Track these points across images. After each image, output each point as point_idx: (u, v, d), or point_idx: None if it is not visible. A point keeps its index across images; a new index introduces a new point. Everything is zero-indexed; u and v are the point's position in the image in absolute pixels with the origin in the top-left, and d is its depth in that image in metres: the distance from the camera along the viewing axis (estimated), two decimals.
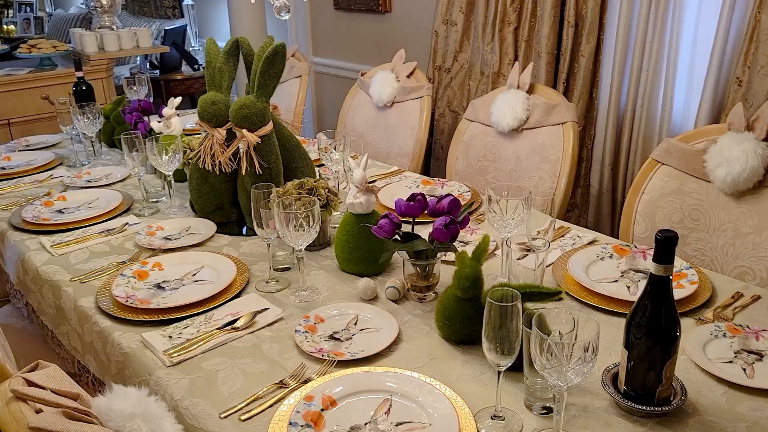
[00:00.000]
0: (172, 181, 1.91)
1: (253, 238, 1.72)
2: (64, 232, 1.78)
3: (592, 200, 2.77)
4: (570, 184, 1.88)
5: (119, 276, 1.49)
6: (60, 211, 1.92)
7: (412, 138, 2.37)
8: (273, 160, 1.70)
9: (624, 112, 2.63)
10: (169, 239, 1.72)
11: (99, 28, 3.60)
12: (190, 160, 1.95)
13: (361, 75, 2.63)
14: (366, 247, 1.46)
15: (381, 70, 2.50)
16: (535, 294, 1.07)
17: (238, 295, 1.43)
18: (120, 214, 1.89)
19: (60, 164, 2.37)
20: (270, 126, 1.67)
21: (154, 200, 1.99)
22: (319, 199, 1.59)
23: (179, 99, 2.12)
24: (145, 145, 1.85)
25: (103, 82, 3.48)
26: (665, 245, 0.95)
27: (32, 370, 0.82)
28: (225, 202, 1.81)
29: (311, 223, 1.35)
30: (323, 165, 1.93)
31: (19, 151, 2.54)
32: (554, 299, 1.08)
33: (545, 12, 2.70)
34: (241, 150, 1.68)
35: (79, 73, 2.60)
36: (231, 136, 1.73)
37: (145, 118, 2.26)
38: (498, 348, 0.98)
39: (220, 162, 1.71)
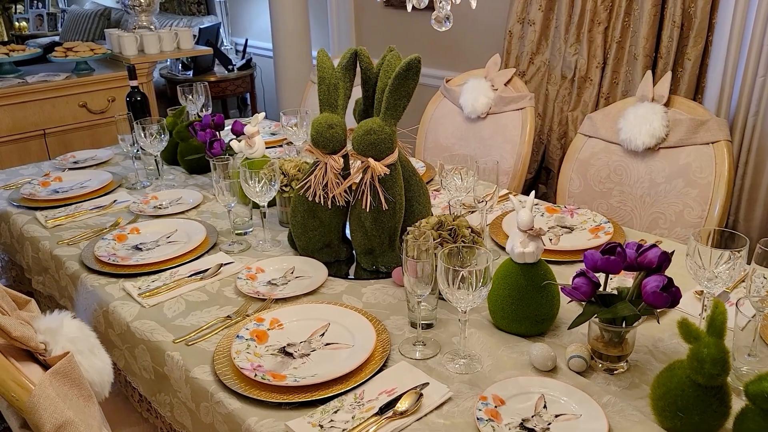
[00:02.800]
0: (266, 212, 1.67)
1: (372, 283, 1.48)
2: (148, 275, 1.54)
3: None
4: (725, 213, 1.64)
5: (236, 339, 1.25)
6: (137, 248, 1.67)
7: (513, 154, 2.13)
8: (398, 192, 1.45)
9: (734, 121, 2.38)
10: (275, 284, 1.48)
11: (137, 28, 3.34)
12: (284, 188, 1.71)
13: (446, 81, 2.38)
14: (534, 303, 1.22)
15: (473, 78, 2.25)
16: None
17: (385, 364, 1.19)
18: (207, 252, 1.65)
19: (119, 186, 2.12)
20: (396, 154, 1.43)
21: (241, 232, 1.74)
22: (464, 241, 1.35)
23: (262, 114, 1.88)
24: (235, 170, 1.61)
25: (144, 87, 3.22)
26: None
27: None
28: (334, 239, 1.57)
29: (482, 281, 1.11)
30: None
31: (69, 169, 2.30)
32: None
33: (644, 11, 2.45)
34: (360, 181, 1.44)
35: (134, 83, 2.35)
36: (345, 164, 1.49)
37: (218, 135, 2.02)
38: None
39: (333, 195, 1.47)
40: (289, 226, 1.63)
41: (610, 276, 1.17)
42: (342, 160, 1.46)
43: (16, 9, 7.76)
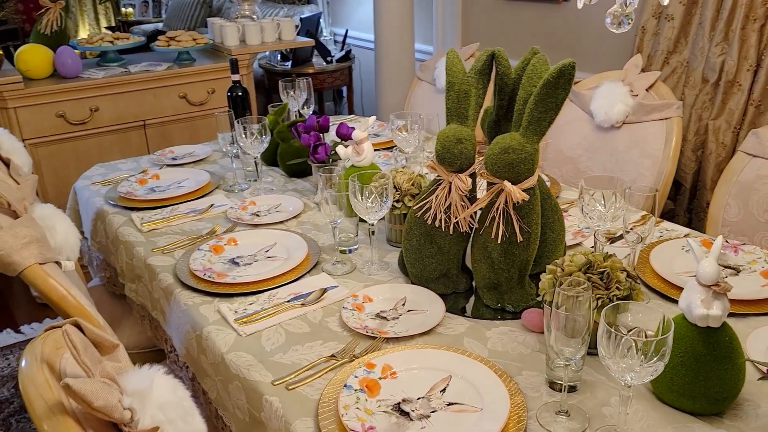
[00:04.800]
0: (375, 231, 1.48)
1: (498, 324, 1.27)
2: (245, 296, 1.40)
3: None
4: None
5: (344, 389, 1.07)
6: (234, 262, 1.53)
7: (653, 171, 1.85)
8: (534, 221, 1.24)
9: None
10: (385, 318, 1.29)
11: (239, 17, 3.24)
12: (395, 203, 1.52)
13: (574, 84, 2.12)
14: (715, 377, 0.97)
15: (608, 81, 1.98)
16: None
17: None
18: (308, 272, 1.48)
19: (216, 187, 2.00)
20: (536, 176, 1.21)
21: (345, 249, 1.57)
22: (618, 288, 1.11)
23: (373, 118, 1.69)
24: (342, 180, 1.44)
25: (244, 80, 3.12)
26: None
27: None
28: (453, 268, 1.36)
29: (654, 350, 0.88)
30: None
31: (166, 166, 2.20)
32: None
33: None
34: (490, 205, 1.23)
35: (236, 77, 2.23)
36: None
37: (322, 138, 1.85)
38: None
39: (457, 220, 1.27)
40: (401, 250, 1.45)
41: None
42: (470, 180, 1.25)
43: None
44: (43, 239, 1.14)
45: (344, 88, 4.55)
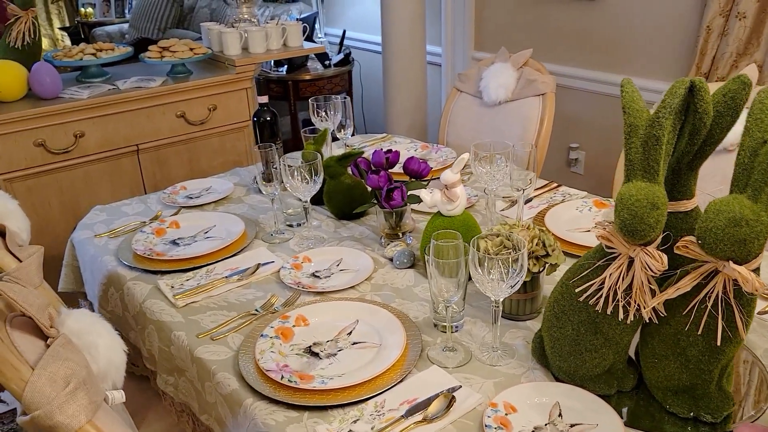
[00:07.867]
0: (500, 310, 1.15)
1: None
2: (343, 408, 1.05)
3: None
4: None
5: None
6: (312, 353, 1.19)
7: None
8: (753, 308, 0.92)
9: None
10: None
11: (238, 22, 2.85)
12: (535, 273, 1.20)
13: None
14: None
15: None
16: None
17: None
18: (414, 365, 1.15)
19: (255, 237, 1.65)
20: (763, 254, 0.90)
21: (452, 327, 1.24)
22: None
23: (467, 155, 1.36)
24: (444, 242, 1.10)
25: (248, 93, 2.74)
26: None
27: None
28: (619, 362, 1.05)
29: None
30: None
31: (183, 209, 1.83)
32: None
33: None
34: (699, 291, 0.91)
35: (263, 99, 1.87)
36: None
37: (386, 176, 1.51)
38: None
39: (638, 306, 0.95)
40: (538, 334, 1.13)
41: None
42: (665, 257, 0.93)
43: None
44: (88, 376, 0.78)
45: (346, 95, 4.18)
